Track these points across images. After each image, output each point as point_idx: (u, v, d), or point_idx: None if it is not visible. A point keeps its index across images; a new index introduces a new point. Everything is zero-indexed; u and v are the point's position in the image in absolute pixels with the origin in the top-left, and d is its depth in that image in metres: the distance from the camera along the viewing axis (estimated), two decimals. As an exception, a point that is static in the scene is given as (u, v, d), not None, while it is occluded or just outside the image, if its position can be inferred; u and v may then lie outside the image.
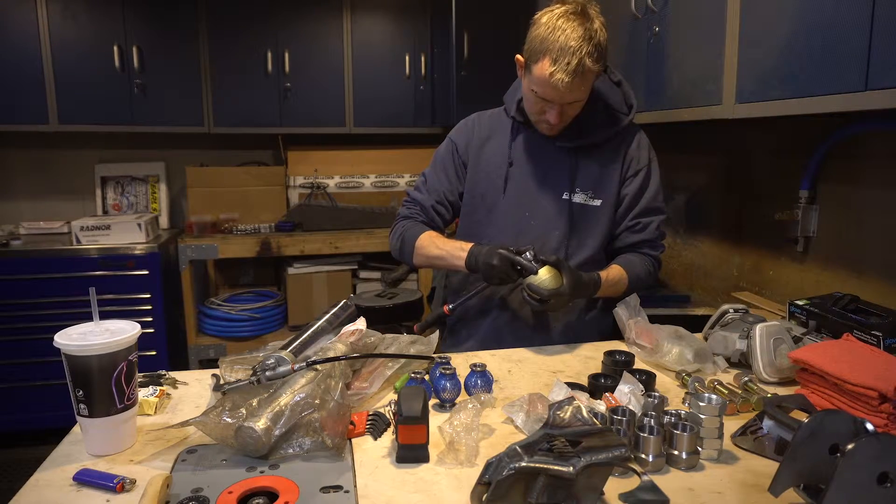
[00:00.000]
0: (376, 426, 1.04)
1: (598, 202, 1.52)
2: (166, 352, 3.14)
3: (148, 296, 3.09)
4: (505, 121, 1.59)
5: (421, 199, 1.62)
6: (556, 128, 1.48)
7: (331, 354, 1.13)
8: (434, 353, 1.28)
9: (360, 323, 1.27)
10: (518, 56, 1.45)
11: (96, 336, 0.93)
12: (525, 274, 1.34)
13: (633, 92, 1.58)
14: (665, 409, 1.02)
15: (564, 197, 1.52)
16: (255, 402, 0.99)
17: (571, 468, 0.76)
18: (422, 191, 1.63)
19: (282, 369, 1.05)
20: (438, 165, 1.63)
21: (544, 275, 1.33)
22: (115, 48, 3.16)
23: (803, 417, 0.96)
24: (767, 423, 0.98)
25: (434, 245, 1.53)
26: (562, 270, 1.34)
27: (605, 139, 1.52)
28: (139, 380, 1.12)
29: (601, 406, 1.05)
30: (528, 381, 1.28)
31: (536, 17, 1.39)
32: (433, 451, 0.97)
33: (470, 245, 1.46)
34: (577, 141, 1.51)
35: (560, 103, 1.40)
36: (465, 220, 1.61)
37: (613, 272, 1.50)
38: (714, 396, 1.01)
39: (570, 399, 0.91)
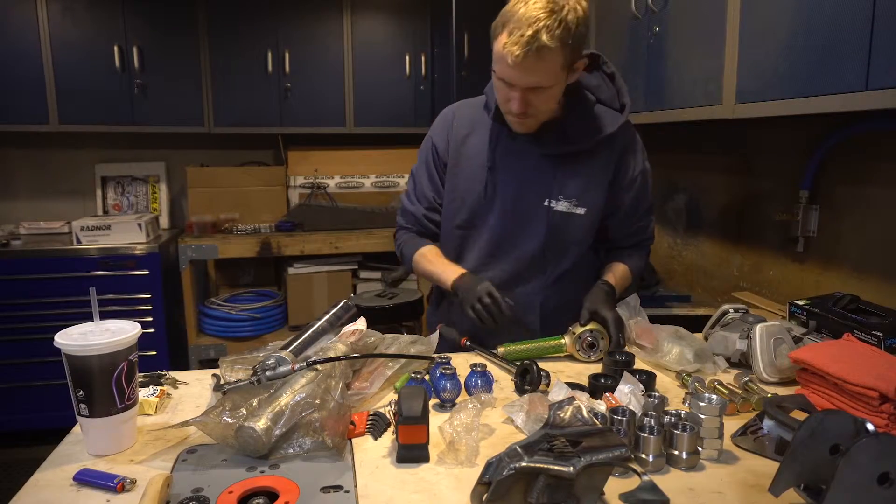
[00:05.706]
0: (376, 426, 1.04)
1: (581, 210, 1.45)
2: (166, 352, 3.15)
3: (148, 296, 3.09)
4: (486, 115, 1.50)
5: (413, 210, 1.59)
6: (526, 123, 1.38)
7: (331, 354, 1.13)
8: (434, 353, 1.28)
9: (361, 323, 1.27)
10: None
11: (96, 336, 0.93)
12: (498, 316, 1.33)
13: (632, 91, 1.53)
14: (665, 409, 1.02)
15: (546, 204, 1.45)
16: (255, 402, 0.99)
17: (571, 468, 0.76)
18: (412, 199, 1.60)
19: (282, 369, 1.05)
20: (423, 168, 1.58)
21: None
22: (115, 48, 3.17)
23: (803, 417, 0.96)
24: (767, 423, 0.98)
25: (427, 262, 1.53)
26: (607, 328, 1.36)
27: (594, 145, 1.43)
28: (139, 380, 1.12)
29: (601, 406, 1.05)
30: (529, 381, 1.28)
31: None
32: (433, 451, 0.97)
33: (461, 272, 1.45)
34: (562, 148, 1.43)
35: (519, 86, 1.28)
36: (446, 224, 1.56)
37: (620, 273, 1.51)
38: (714, 396, 1.01)
39: (571, 399, 0.91)
